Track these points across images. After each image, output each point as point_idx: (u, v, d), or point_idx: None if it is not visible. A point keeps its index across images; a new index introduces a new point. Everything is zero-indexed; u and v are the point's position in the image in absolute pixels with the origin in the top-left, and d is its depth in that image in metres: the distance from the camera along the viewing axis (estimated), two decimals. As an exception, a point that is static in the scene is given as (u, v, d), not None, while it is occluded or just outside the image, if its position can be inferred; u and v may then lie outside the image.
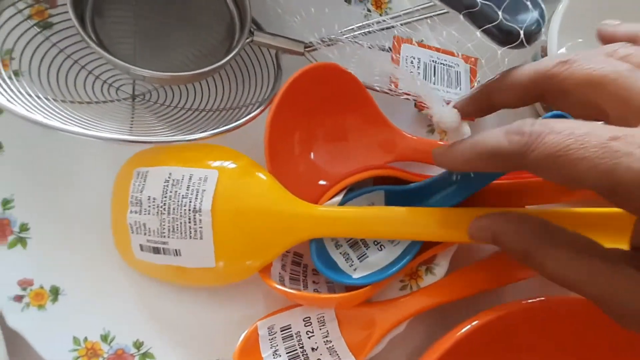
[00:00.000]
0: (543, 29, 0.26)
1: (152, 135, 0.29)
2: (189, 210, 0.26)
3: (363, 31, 0.35)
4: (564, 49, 0.38)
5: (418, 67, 0.35)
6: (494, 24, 0.25)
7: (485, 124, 0.38)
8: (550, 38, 0.33)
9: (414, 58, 0.35)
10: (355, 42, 0.34)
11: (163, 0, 0.33)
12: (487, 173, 0.30)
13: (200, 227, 0.26)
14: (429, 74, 0.35)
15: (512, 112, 0.38)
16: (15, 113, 0.26)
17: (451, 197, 0.30)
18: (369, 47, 0.34)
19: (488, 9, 0.25)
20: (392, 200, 0.32)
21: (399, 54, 0.34)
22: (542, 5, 0.26)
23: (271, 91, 0.32)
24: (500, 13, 0.25)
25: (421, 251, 0.31)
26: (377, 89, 0.32)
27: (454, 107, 0.28)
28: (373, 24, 0.35)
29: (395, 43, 0.34)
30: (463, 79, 0.36)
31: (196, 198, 0.27)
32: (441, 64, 0.35)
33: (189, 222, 0.26)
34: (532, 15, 0.25)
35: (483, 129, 0.37)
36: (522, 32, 0.25)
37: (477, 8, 0.25)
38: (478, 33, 0.26)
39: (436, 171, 0.33)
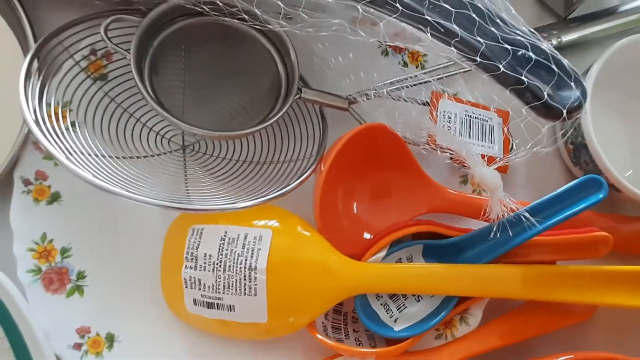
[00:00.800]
0: (584, 105, 0.27)
1: (207, 193, 0.31)
2: (245, 268, 0.28)
3: (400, 85, 0.36)
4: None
5: (455, 122, 0.36)
6: (540, 102, 0.27)
7: (514, 174, 0.39)
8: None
9: (450, 113, 0.36)
10: (397, 97, 0.35)
11: (212, 54, 0.35)
12: (526, 232, 0.31)
13: (255, 285, 0.28)
14: (465, 128, 0.36)
15: (542, 162, 0.40)
16: (74, 173, 0.26)
17: (487, 253, 0.32)
18: (410, 102, 0.36)
19: (535, 87, 0.27)
20: (429, 252, 0.33)
21: (437, 110, 0.35)
22: (584, 84, 0.28)
23: (319, 146, 0.33)
24: (546, 93, 0.26)
25: (457, 302, 0.32)
26: (419, 145, 0.34)
27: None
28: (409, 78, 0.37)
29: (434, 99, 0.36)
30: (496, 133, 0.37)
31: (252, 256, 0.28)
32: (476, 118, 0.37)
33: (245, 280, 0.28)
34: (575, 94, 0.27)
35: (513, 181, 0.39)
36: (565, 111, 0.26)
37: (524, 85, 0.27)
38: (523, 109, 0.27)
39: (470, 223, 0.35)
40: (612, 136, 0.39)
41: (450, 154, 0.32)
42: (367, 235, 0.32)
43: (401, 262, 0.33)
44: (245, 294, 0.28)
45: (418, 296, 0.33)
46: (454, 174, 0.37)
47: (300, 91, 0.33)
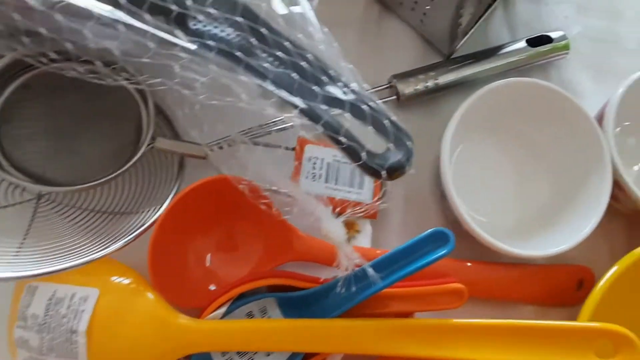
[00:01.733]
0: (407, 166, 0.27)
1: (45, 249, 0.30)
2: (67, 330, 0.27)
3: (263, 131, 0.36)
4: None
5: (320, 168, 0.36)
6: (360, 162, 0.26)
7: (390, 218, 0.39)
8: (444, 144, 0.34)
9: (317, 159, 0.36)
10: (261, 143, 0.35)
11: (76, 99, 0.34)
12: (371, 287, 0.31)
13: (76, 348, 0.27)
14: (332, 174, 0.36)
15: (420, 207, 0.39)
16: None
17: (336, 307, 0.31)
18: (275, 148, 0.36)
19: (354, 148, 0.26)
20: (284, 305, 0.33)
21: (301, 160, 0.35)
22: (408, 144, 0.27)
23: (171, 197, 0.33)
24: (363, 154, 0.26)
25: (309, 356, 0.32)
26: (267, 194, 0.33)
27: None
28: (278, 122, 0.36)
29: (298, 147, 0.35)
30: (367, 179, 0.36)
31: (74, 318, 0.28)
32: (345, 162, 0.36)
33: (66, 343, 0.27)
34: (395, 156, 0.27)
35: (387, 226, 0.39)
36: (384, 172, 0.26)
37: (344, 146, 0.26)
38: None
39: (329, 273, 0.34)
40: (482, 181, 0.38)
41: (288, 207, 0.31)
42: (213, 287, 0.32)
43: (253, 315, 0.32)
44: (66, 357, 0.27)
45: (269, 350, 0.32)
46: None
47: (154, 140, 0.33)
